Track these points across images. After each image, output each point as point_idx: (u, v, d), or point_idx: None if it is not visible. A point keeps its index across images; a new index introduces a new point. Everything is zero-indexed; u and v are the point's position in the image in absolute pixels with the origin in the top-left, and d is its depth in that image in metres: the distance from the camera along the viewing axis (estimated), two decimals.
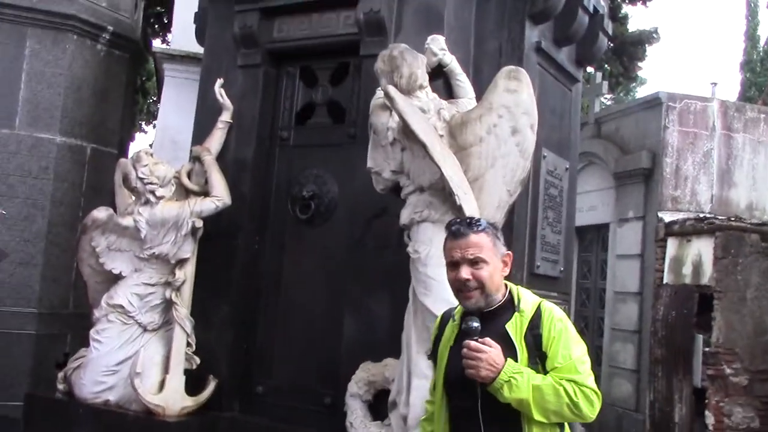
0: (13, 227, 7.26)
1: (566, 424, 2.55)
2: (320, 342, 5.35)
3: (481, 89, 4.71)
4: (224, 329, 5.60)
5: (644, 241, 9.43)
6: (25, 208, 7.36)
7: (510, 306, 2.60)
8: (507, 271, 2.66)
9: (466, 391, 2.51)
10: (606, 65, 16.92)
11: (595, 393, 2.44)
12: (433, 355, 2.86)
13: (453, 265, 2.66)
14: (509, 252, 2.68)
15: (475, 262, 2.59)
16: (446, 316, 2.83)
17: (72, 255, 6.73)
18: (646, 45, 18.04)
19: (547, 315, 2.54)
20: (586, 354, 2.52)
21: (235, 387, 5.59)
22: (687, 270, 8.54)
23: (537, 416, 2.41)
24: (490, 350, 2.44)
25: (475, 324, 2.51)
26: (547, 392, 2.40)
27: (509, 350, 2.50)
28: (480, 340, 2.48)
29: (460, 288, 2.63)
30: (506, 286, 2.67)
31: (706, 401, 7.92)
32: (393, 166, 4.51)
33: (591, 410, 2.42)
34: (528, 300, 2.61)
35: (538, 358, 2.49)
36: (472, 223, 2.65)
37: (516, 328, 2.54)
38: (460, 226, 2.66)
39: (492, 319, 2.58)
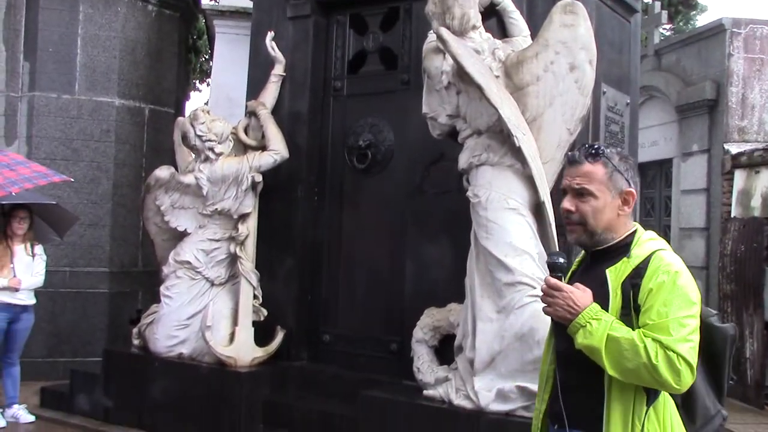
0: (80, 190, 7.48)
1: (664, 395, 2.23)
2: (383, 289, 5.40)
3: (536, 26, 4.58)
4: (289, 281, 5.70)
5: (710, 175, 9.15)
6: (90, 171, 7.56)
7: (625, 250, 2.29)
8: (627, 210, 2.32)
9: (558, 333, 2.36)
10: None
11: (685, 362, 2.08)
12: None
13: (562, 193, 2.40)
14: (631, 189, 2.32)
15: (581, 194, 2.31)
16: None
17: (138, 215, 6.91)
18: None
19: (654, 264, 2.19)
20: (691, 317, 2.14)
21: (303, 337, 5.71)
22: (756, 202, 8.28)
23: (610, 371, 2.15)
24: (572, 290, 2.23)
25: (560, 260, 2.31)
26: (625, 346, 2.11)
27: (603, 296, 2.24)
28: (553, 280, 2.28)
29: (564, 219, 2.39)
30: (632, 228, 2.36)
31: None
32: (449, 110, 4.45)
33: (675, 379, 2.08)
34: (645, 246, 2.28)
35: (634, 310, 2.19)
36: (590, 151, 2.35)
37: (617, 273, 2.25)
38: (576, 153, 2.38)
39: (601, 259, 2.33)
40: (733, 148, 8.75)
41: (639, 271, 2.21)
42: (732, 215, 8.60)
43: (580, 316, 2.19)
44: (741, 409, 7.85)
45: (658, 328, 2.12)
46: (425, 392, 4.47)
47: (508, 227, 4.11)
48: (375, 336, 5.41)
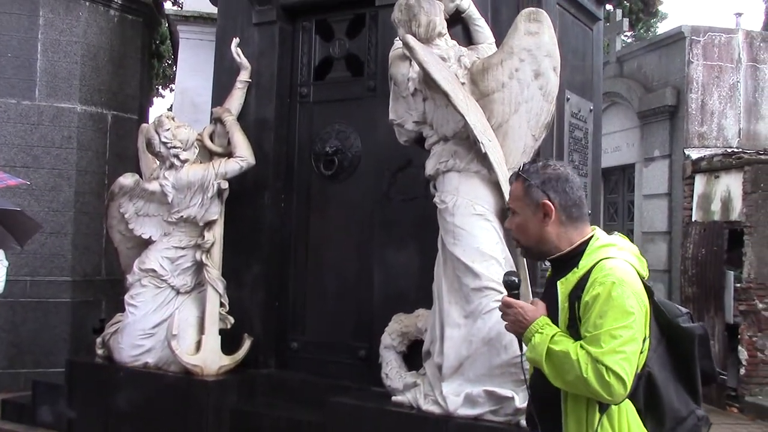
0: (41, 198, 7.36)
1: (619, 407, 2.21)
2: (352, 296, 5.39)
3: (500, 33, 4.63)
4: (256, 288, 5.66)
5: (671, 180, 9.33)
6: (52, 179, 7.44)
7: (577, 260, 2.31)
8: (548, 221, 2.34)
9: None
10: (625, 2, 16.54)
11: (614, 374, 2.08)
12: None
13: None
14: (546, 201, 2.34)
15: (512, 212, 2.45)
16: None
17: (101, 223, 6.82)
18: None
19: (593, 276, 2.21)
20: (624, 328, 2.13)
21: (270, 344, 5.68)
22: (716, 206, 8.45)
23: (554, 382, 2.21)
24: (523, 306, 2.31)
25: (512, 278, 2.41)
26: (563, 359, 2.15)
27: (556, 308, 2.31)
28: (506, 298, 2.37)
29: None
30: (588, 235, 2.37)
31: (739, 337, 7.91)
32: (415, 117, 4.47)
33: (606, 391, 2.09)
34: (593, 255, 2.28)
35: (579, 322, 2.22)
36: (517, 172, 2.45)
37: (566, 285, 2.29)
38: (512, 175, 2.51)
39: (558, 270, 2.39)
40: (694, 154, 8.93)
41: (581, 283, 2.24)
42: (693, 219, 8.77)
43: (527, 330, 2.27)
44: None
45: (592, 340, 2.14)
46: (394, 398, 4.47)
47: (475, 233, 4.14)
48: (343, 342, 5.40)
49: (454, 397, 4.14)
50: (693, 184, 8.86)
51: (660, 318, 2.32)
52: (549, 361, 2.19)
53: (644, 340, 2.21)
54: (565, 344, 2.18)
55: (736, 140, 9.19)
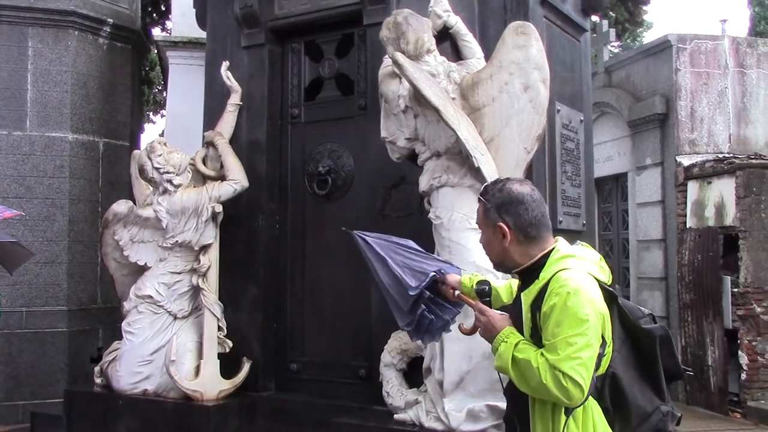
0: (34, 228, 7.33)
1: (588, 402, 2.30)
2: (350, 315, 5.37)
3: (488, 48, 4.65)
4: (254, 311, 5.64)
5: (664, 187, 9.35)
6: (45, 208, 7.42)
7: (538, 272, 2.43)
8: (506, 241, 2.47)
9: None
10: (611, 12, 16.68)
11: (571, 380, 2.19)
12: None
13: None
14: (500, 223, 2.47)
15: (480, 230, 2.62)
16: None
17: (96, 251, 6.80)
18: None
19: (551, 287, 2.32)
20: (579, 336, 2.22)
21: (270, 366, 5.65)
22: (709, 212, 8.47)
23: (521, 388, 2.34)
24: (492, 314, 2.46)
25: (484, 286, 2.59)
26: (525, 367, 2.28)
27: (520, 318, 2.44)
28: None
29: None
30: (549, 247, 2.48)
31: (739, 341, 7.91)
32: (407, 133, 4.48)
33: (564, 396, 2.20)
34: (553, 267, 2.39)
35: (541, 331, 2.33)
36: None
37: (529, 296, 2.42)
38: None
39: (523, 281, 2.52)
40: (685, 161, 8.97)
41: (541, 294, 2.36)
42: (687, 226, 8.79)
43: (495, 338, 2.42)
44: (706, 417, 7.97)
45: (550, 348, 2.26)
46: (396, 416, 4.45)
47: (471, 247, 4.13)
48: (343, 362, 5.37)
49: (456, 413, 4.12)
50: (686, 190, 8.88)
51: (624, 320, 2.43)
52: (515, 368, 2.32)
53: (605, 344, 2.32)
54: (528, 352, 2.31)
55: (727, 146, 9.23)
